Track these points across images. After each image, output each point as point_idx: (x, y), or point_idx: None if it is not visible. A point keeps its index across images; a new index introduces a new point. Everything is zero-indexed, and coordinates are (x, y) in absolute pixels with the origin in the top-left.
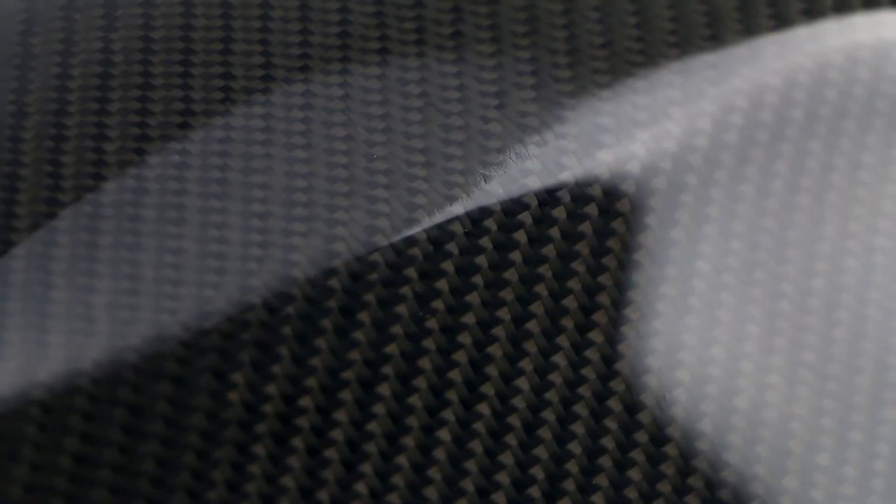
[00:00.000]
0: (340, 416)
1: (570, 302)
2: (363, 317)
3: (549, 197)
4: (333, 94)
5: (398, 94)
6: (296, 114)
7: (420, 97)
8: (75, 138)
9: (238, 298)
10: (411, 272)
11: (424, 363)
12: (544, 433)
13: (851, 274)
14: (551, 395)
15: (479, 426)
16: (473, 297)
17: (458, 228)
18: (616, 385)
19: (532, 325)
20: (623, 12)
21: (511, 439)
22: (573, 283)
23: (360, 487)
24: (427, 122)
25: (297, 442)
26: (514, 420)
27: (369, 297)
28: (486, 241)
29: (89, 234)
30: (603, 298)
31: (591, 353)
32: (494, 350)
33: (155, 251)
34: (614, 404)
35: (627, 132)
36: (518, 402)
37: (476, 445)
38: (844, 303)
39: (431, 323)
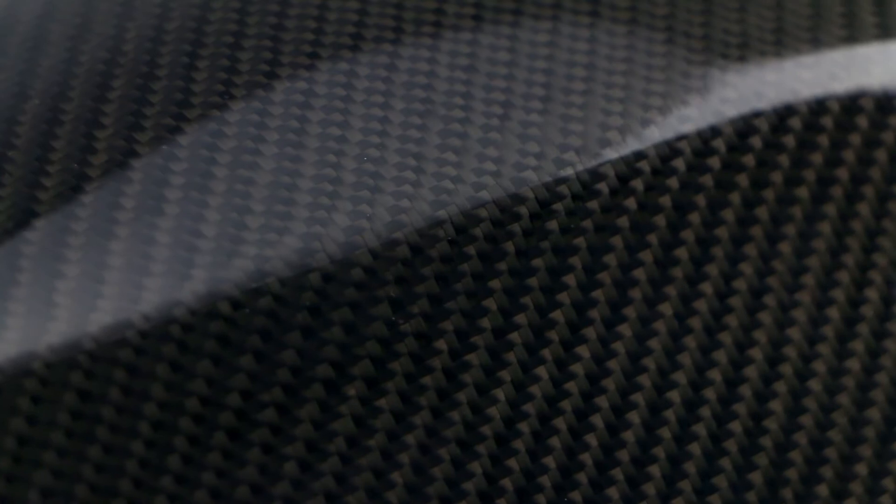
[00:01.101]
0: (303, 413)
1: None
2: (335, 316)
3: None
4: (336, 93)
5: (401, 98)
6: (294, 111)
7: (424, 102)
8: (70, 123)
9: (204, 291)
10: (388, 275)
11: (395, 366)
12: (517, 444)
13: None
14: (528, 407)
15: (448, 433)
16: (453, 304)
17: (441, 234)
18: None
19: (514, 337)
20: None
21: (482, 448)
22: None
23: (317, 486)
24: (426, 128)
25: (255, 436)
26: (485, 430)
27: (343, 297)
28: (470, 249)
29: (65, 218)
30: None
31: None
32: (472, 358)
33: (127, 240)
34: (596, 420)
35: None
36: (492, 411)
37: (444, 452)
38: None
39: (406, 327)
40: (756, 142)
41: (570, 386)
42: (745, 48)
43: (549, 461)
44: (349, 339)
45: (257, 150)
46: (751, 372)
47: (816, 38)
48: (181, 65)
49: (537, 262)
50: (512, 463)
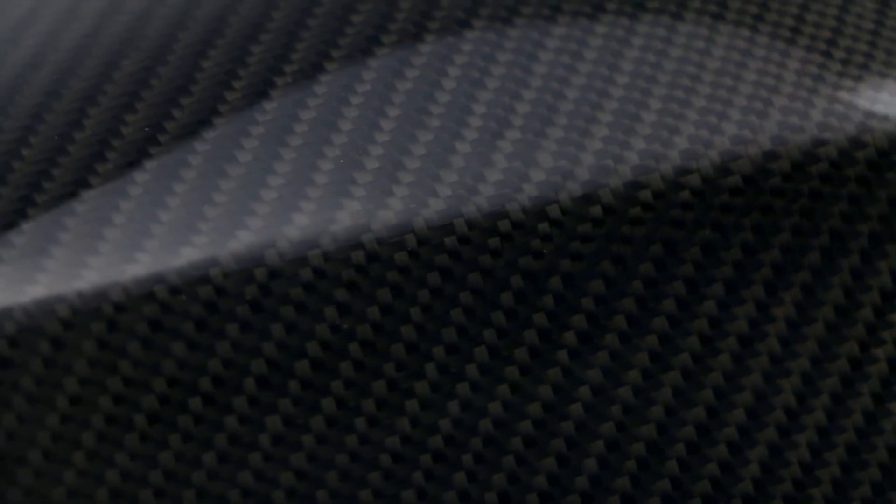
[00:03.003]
0: (236, 404)
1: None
2: (284, 312)
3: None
4: (336, 95)
5: (399, 105)
6: (287, 110)
7: (420, 111)
8: (67, 97)
9: (144, 275)
10: (340, 279)
11: (338, 369)
12: (456, 462)
13: None
14: (478, 425)
15: (390, 442)
16: (404, 315)
17: (403, 243)
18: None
19: (468, 355)
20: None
21: (425, 460)
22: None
23: (244, 477)
24: (414, 137)
25: (183, 421)
26: (434, 442)
27: (291, 296)
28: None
29: (30, 201)
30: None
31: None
32: (424, 366)
33: (79, 217)
34: (550, 447)
35: None
36: (436, 425)
37: (381, 458)
38: None
39: (353, 331)
40: (765, 186)
41: (530, 409)
42: (770, 88)
43: (495, 480)
44: (293, 337)
45: (239, 144)
46: (731, 418)
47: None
48: (191, 53)
49: (504, 282)
50: (447, 480)
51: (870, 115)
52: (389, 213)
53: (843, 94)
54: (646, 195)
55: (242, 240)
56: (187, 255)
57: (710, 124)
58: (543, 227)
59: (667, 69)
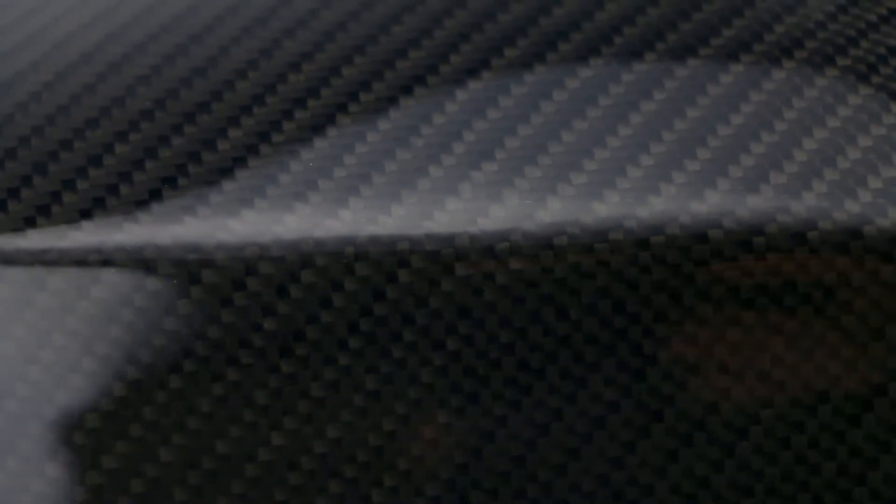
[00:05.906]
0: (158, 397)
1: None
2: (216, 311)
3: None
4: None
5: (388, 119)
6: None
7: (403, 129)
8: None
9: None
10: (275, 283)
11: (259, 374)
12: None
13: None
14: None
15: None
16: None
17: (339, 258)
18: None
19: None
20: None
21: (328, 483)
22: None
23: (148, 468)
24: (391, 156)
25: (102, 403)
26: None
27: (224, 293)
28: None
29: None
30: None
31: None
32: (342, 382)
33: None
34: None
35: None
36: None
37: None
38: None
39: (277, 336)
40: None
41: (455, 449)
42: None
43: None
44: (216, 334)
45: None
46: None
47: None
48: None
49: (441, 316)
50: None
51: (871, 205)
52: (338, 225)
53: (849, 181)
54: (603, 249)
55: (189, 228)
56: (134, 233)
57: (694, 189)
58: (489, 265)
59: (675, 128)
